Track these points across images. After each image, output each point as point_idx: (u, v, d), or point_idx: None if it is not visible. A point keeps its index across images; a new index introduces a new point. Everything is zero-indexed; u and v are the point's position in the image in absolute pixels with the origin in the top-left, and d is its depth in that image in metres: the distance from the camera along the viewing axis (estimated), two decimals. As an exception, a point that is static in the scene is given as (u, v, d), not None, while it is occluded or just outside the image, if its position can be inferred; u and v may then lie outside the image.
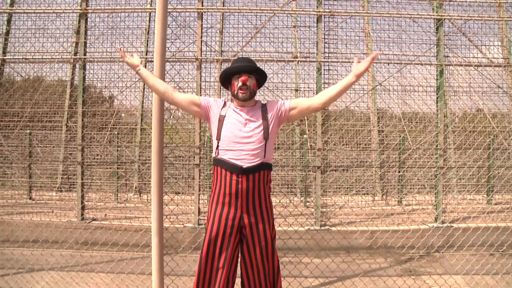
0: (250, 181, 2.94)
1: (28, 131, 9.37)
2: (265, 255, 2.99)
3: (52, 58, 8.07)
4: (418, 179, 8.91)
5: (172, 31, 7.11)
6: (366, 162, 10.05)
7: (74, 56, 7.65)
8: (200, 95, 6.43)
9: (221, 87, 7.44)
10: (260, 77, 3.17)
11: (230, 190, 2.95)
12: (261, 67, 3.18)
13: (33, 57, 7.82)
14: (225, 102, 3.13)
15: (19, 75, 9.87)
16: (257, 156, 2.97)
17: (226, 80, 3.15)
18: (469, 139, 8.26)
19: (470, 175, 8.65)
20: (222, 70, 3.06)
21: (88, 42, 7.07)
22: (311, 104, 3.08)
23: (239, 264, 3.11)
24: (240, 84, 3.00)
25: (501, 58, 7.85)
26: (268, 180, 3.07)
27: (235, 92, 3.04)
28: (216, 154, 3.04)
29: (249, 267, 3.01)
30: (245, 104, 3.07)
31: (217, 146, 3.03)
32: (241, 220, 2.97)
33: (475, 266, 4.85)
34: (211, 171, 8.07)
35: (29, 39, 8.74)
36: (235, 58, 3.30)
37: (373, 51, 9.65)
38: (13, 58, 8.74)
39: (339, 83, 3.03)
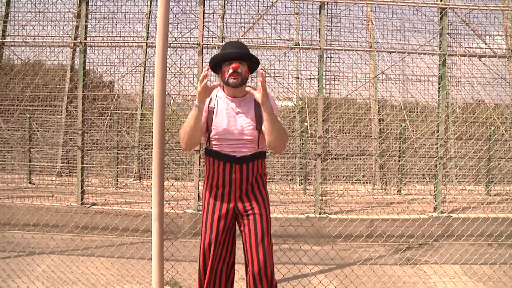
0: (244, 171, 2.90)
1: (28, 115, 9.34)
2: (266, 230, 2.93)
3: (52, 42, 8.02)
4: (418, 169, 8.92)
5: (175, 15, 7.06)
6: (366, 151, 10.05)
7: (75, 40, 7.59)
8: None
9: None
10: (252, 63, 3.01)
11: (224, 180, 2.91)
12: (255, 53, 3.07)
13: (34, 40, 7.76)
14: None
15: (19, 58, 9.81)
16: (250, 147, 2.92)
17: (216, 66, 3.02)
18: (470, 129, 8.24)
19: (470, 166, 8.66)
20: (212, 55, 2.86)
21: (89, 26, 7.01)
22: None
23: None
24: (231, 71, 2.87)
25: (505, 49, 7.79)
26: (263, 168, 3.02)
27: (226, 79, 2.91)
28: (208, 145, 3.00)
29: (248, 244, 2.94)
30: (236, 94, 2.96)
31: (209, 137, 2.97)
32: (235, 208, 2.94)
33: (473, 256, 4.87)
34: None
35: (29, 22, 8.67)
36: (225, 43, 3.15)
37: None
38: (13, 41, 8.68)
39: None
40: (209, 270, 2.94)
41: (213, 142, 2.96)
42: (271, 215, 3.09)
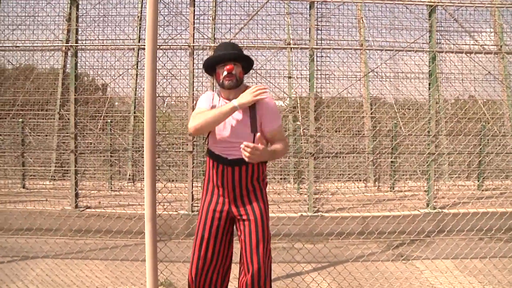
0: (236, 174, 2.87)
1: (20, 119, 9.32)
2: (261, 238, 2.87)
3: (43, 46, 8.00)
4: (409, 165, 8.99)
5: (164, 18, 7.08)
6: (358, 148, 10.12)
7: (66, 43, 7.59)
8: (193, 84, 6.46)
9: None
10: (246, 64, 2.98)
11: (217, 181, 2.91)
12: (248, 53, 3.04)
13: (24, 45, 7.74)
14: (213, 95, 3.01)
15: (9, 63, 9.79)
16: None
17: (210, 68, 2.98)
18: (460, 125, 8.33)
19: (460, 161, 8.75)
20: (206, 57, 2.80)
21: (79, 29, 7.01)
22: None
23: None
24: (225, 73, 2.84)
25: (492, 45, 7.88)
26: (260, 174, 2.96)
27: (221, 81, 2.88)
28: (207, 145, 3.00)
29: (243, 251, 2.90)
30: (231, 97, 2.88)
31: (207, 137, 2.97)
32: (229, 212, 2.92)
33: (464, 250, 4.93)
34: (204, 158, 8.11)
35: (19, 26, 8.65)
36: (218, 44, 3.10)
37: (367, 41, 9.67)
38: (2, 46, 8.65)
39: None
40: (200, 269, 2.91)
41: (209, 142, 2.97)
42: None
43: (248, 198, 2.92)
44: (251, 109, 2.87)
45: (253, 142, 2.81)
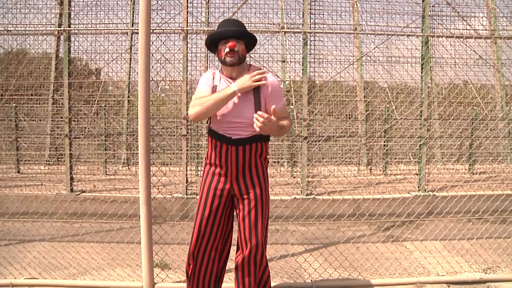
0: (240, 153, 2.88)
1: (14, 104, 9.30)
2: (260, 216, 2.92)
3: (35, 30, 7.96)
4: (401, 148, 9.09)
5: (157, 2, 7.05)
6: (352, 132, 10.20)
7: (58, 28, 7.56)
8: (187, 68, 6.47)
9: (208, 58, 7.46)
10: (249, 41, 2.97)
11: (220, 161, 2.92)
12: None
13: (16, 29, 7.69)
14: (213, 74, 3.00)
15: (1, 47, 9.72)
16: (248, 130, 2.87)
17: (212, 45, 2.95)
18: (450, 109, 8.41)
19: (450, 145, 8.85)
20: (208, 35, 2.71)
21: (72, 13, 6.98)
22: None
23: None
24: (227, 50, 2.82)
25: (485, 30, 7.92)
26: (263, 151, 3.00)
27: (222, 58, 2.86)
28: (209, 124, 2.99)
29: (242, 228, 2.94)
30: (233, 74, 2.91)
31: (209, 117, 2.94)
32: (230, 189, 2.94)
33: (452, 232, 5.05)
34: (198, 142, 8.17)
35: (10, 10, 8.58)
36: (222, 20, 3.06)
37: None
38: (-6, 30, 8.59)
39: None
40: (199, 245, 2.96)
41: (212, 122, 2.95)
42: None
43: (250, 176, 2.95)
44: (255, 89, 2.89)
45: None
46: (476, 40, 7.39)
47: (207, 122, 3.01)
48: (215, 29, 3.03)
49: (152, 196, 3.56)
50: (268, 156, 3.14)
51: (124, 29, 10.07)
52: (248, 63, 3.06)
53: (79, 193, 6.53)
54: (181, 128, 6.46)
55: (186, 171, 6.33)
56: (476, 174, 8.45)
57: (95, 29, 8.05)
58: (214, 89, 2.91)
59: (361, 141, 9.73)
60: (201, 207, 2.98)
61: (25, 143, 9.70)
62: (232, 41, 2.82)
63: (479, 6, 7.81)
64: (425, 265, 4.56)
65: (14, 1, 8.58)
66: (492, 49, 8.76)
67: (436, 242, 5.11)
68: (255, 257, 2.94)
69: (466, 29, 7.58)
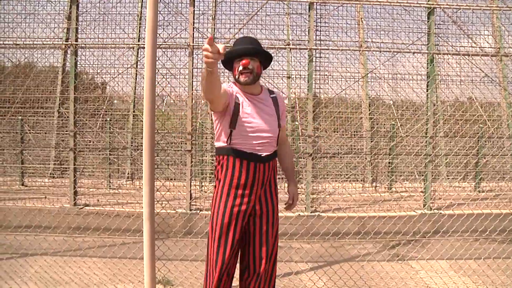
0: (266, 170, 2.83)
1: (20, 117, 9.35)
2: (271, 233, 2.86)
3: (43, 44, 8.04)
4: (407, 166, 9.03)
5: (164, 18, 7.11)
6: (355, 148, 10.16)
7: (66, 42, 7.62)
8: (193, 83, 6.49)
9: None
10: (265, 59, 2.92)
11: (246, 180, 2.78)
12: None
13: (24, 42, 7.76)
14: (231, 86, 2.90)
15: (9, 60, 9.82)
16: (273, 144, 2.87)
17: (228, 63, 2.93)
18: (454, 127, 8.37)
19: (456, 163, 8.79)
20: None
21: (79, 28, 7.04)
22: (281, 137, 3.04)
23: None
24: (241, 68, 2.77)
25: (490, 47, 7.92)
26: (276, 164, 3.01)
27: (237, 77, 2.82)
28: (228, 143, 2.80)
29: (252, 248, 2.85)
30: (253, 91, 2.87)
31: (230, 134, 2.79)
32: (252, 210, 2.83)
33: (459, 251, 4.98)
34: (203, 157, 8.15)
35: (19, 24, 8.68)
36: (237, 38, 3.02)
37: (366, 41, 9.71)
38: (3, 44, 8.68)
39: (289, 166, 3.19)
40: (224, 280, 2.82)
41: (237, 140, 2.80)
42: None
43: (270, 193, 2.92)
44: (275, 104, 2.94)
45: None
46: (481, 58, 7.38)
47: (227, 141, 2.81)
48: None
49: (155, 211, 3.52)
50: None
51: (131, 44, 10.16)
52: (260, 83, 3.00)
53: (82, 206, 6.50)
54: (185, 143, 6.45)
55: (190, 186, 6.30)
56: (483, 192, 8.36)
57: (102, 44, 8.11)
58: (236, 106, 2.79)
59: (366, 158, 9.68)
60: (223, 238, 2.78)
61: (30, 156, 9.72)
62: (246, 59, 2.76)
63: (485, 24, 7.83)
64: (431, 285, 4.48)
65: (23, 16, 8.69)
66: (498, 67, 8.74)
67: (442, 262, 5.03)
68: (271, 275, 2.89)
69: (472, 47, 7.58)
